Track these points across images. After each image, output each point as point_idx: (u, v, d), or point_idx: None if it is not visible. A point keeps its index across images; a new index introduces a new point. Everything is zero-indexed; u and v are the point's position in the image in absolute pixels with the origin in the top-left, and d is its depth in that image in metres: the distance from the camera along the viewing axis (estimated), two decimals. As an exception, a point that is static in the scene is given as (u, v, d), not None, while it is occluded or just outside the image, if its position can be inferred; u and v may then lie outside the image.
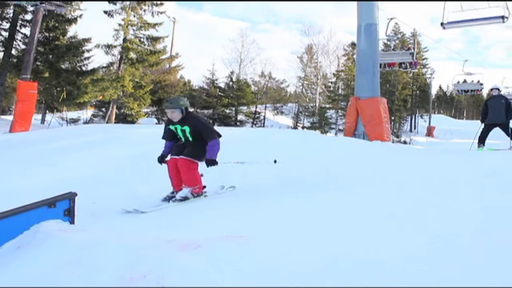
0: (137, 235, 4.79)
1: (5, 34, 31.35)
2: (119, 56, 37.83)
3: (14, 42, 31.41)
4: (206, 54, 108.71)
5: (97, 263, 4.12)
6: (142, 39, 38.85)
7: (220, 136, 7.32)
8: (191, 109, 7.72)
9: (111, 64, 38.58)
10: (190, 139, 7.31)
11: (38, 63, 29.99)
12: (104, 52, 37.58)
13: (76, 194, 5.04)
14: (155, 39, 39.41)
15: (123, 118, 37.25)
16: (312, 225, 5.26)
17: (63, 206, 4.95)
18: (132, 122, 34.58)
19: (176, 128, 7.39)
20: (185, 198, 7.05)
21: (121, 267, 3.99)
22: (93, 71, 33.68)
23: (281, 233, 4.92)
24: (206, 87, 50.82)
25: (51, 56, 31.28)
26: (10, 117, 25.89)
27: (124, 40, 37.52)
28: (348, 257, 4.07)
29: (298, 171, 9.11)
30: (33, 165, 10.36)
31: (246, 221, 5.54)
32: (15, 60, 30.87)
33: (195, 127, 7.23)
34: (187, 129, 7.26)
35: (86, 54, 34.57)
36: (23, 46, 31.33)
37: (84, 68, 34.01)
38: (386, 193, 6.90)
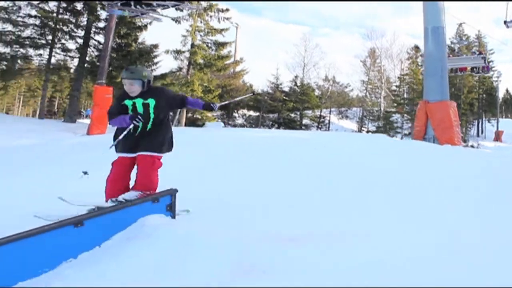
0: (241, 228, 5.09)
1: (80, 41, 32.51)
2: (187, 61, 38.65)
3: (88, 49, 32.56)
4: (266, 58, 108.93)
5: (206, 254, 4.46)
6: (209, 45, 39.58)
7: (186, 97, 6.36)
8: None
9: (180, 69, 39.43)
10: (151, 118, 5.88)
11: (110, 68, 30.99)
12: (173, 58, 38.56)
13: (177, 191, 5.39)
14: (221, 45, 40.06)
15: (192, 122, 38.04)
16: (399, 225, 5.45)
17: (165, 202, 5.32)
18: (201, 125, 35.19)
19: (134, 104, 5.91)
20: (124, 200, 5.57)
21: (231, 258, 4.31)
22: (164, 75, 34.55)
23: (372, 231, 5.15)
24: (270, 91, 51.17)
25: (122, 61, 32.28)
26: (87, 121, 26.79)
27: (192, 45, 38.32)
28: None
29: (366, 175, 8.49)
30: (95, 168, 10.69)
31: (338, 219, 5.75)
32: (89, 66, 32.07)
33: (162, 100, 5.96)
34: (151, 102, 5.87)
35: (154, 60, 35.55)
36: (96, 53, 32.54)
37: (154, 73, 34.92)
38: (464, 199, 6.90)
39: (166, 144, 5.97)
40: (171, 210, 5.34)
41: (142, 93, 5.86)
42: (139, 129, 5.85)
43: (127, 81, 5.81)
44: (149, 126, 5.88)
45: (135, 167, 5.88)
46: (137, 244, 4.85)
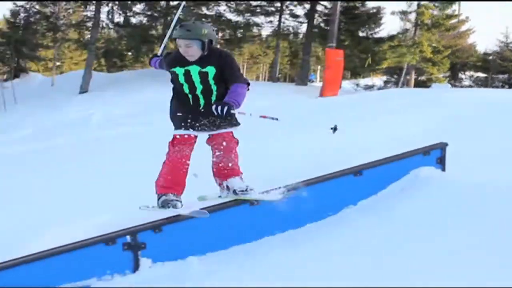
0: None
1: (307, 6, 33.27)
2: (413, 22, 37.78)
3: (315, 14, 33.26)
4: (492, 16, 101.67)
5: (480, 207, 4.58)
6: (435, 4, 38.22)
7: (249, 83, 4.62)
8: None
9: (406, 30, 38.65)
10: (214, 89, 4.62)
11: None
12: (400, 19, 37.82)
13: (447, 144, 5.46)
14: (448, 3, 38.49)
15: (418, 84, 37.28)
16: None
17: (436, 155, 5.43)
18: (428, 86, 34.37)
19: (187, 72, 4.61)
20: (248, 188, 4.73)
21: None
22: (392, 37, 34.13)
23: None
24: (499, 50, 48.09)
25: (349, 25, 32.56)
26: (319, 84, 27.33)
27: (419, 5, 37.30)
28: None
29: None
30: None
31: None
32: (317, 31, 32.84)
33: (224, 69, 4.56)
34: (211, 71, 4.54)
35: (380, 21, 35.26)
36: (323, 17, 33.21)
37: (377, 36, 34.67)
38: None
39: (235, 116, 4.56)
40: (441, 163, 5.42)
41: (200, 57, 4.52)
42: (202, 103, 4.62)
43: (182, 41, 4.45)
44: (213, 98, 4.61)
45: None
46: (411, 194, 5.05)
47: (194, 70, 4.52)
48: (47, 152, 11.99)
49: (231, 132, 4.70)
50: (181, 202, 4.52)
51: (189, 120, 4.57)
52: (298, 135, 8.48)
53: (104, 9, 29.44)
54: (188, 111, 4.61)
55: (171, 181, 4.57)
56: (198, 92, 4.60)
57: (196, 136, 4.64)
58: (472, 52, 48.48)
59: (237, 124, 4.69)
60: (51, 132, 14.42)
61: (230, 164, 4.70)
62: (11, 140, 14.56)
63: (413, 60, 34.37)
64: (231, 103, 4.27)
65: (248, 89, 4.54)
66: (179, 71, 4.58)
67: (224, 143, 4.64)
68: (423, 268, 3.71)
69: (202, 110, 4.59)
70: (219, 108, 4.21)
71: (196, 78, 4.55)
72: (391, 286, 3.31)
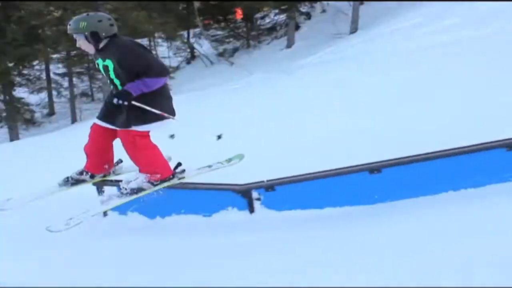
0: None
1: None
2: None
3: None
4: None
5: None
6: None
7: (166, 73, 4.32)
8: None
9: None
10: (117, 83, 4.32)
11: None
12: None
13: None
14: None
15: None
16: None
17: None
18: None
19: (97, 65, 4.46)
20: (138, 190, 4.35)
21: None
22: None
23: None
24: None
25: None
26: None
27: None
28: None
29: None
30: None
31: None
32: None
33: (121, 61, 4.20)
34: (110, 65, 4.27)
35: None
36: None
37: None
38: None
39: (142, 115, 4.29)
40: None
41: (99, 51, 4.34)
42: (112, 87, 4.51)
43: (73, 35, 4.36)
44: (118, 84, 4.36)
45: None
46: None
47: (100, 63, 4.39)
48: (481, 39, 11.27)
49: (129, 131, 4.31)
50: (78, 181, 4.68)
51: (103, 110, 4.55)
52: None
53: None
54: (106, 100, 4.57)
55: (92, 163, 4.70)
56: (109, 83, 4.46)
57: (109, 132, 4.51)
58: None
59: (146, 122, 4.33)
60: (480, 21, 13.28)
61: (138, 164, 4.48)
62: (436, 30, 14.19)
63: None
64: (128, 91, 4.13)
65: (164, 76, 4.29)
66: (97, 63, 4.49)
67: (130, 140, 4.33)
68: None
69: (108, 102, 4.44)
70: (119, 101, 4.11)
71: (103, 71, 4.38)
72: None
